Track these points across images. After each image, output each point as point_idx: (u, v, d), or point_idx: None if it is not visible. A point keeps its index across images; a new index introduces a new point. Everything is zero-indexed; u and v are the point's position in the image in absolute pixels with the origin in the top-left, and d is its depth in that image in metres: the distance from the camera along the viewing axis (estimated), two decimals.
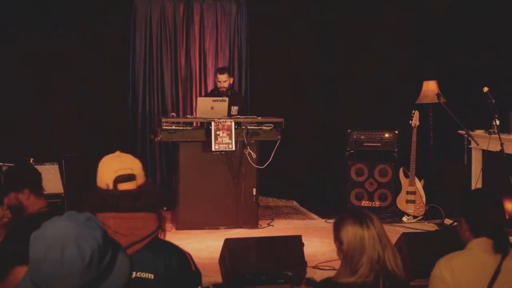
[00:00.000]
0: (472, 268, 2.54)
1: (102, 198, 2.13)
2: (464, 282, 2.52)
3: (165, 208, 7.38)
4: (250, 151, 6.42)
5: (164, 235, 2.21)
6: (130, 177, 2.16)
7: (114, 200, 2.12)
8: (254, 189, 6.53)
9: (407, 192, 7.01)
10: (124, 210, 2.11)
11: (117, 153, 2.26)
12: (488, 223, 2.59)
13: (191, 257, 2.21)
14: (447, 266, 2.55)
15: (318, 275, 4.76)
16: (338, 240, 2.36)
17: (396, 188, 7.23)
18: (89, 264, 1.53)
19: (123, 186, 2.14)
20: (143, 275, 2.09)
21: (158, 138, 6.40)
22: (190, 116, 7.13)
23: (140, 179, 2.18)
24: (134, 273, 2.06)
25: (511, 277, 2.52)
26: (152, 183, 2.25)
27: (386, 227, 6.64)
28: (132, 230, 2.09)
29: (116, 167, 2.17)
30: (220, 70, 7.00)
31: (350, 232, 2.28)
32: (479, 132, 6.56)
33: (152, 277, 2.09)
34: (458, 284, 2.51)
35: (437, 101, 7.01)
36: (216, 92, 6.92)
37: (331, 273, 4.91)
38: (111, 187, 2.14)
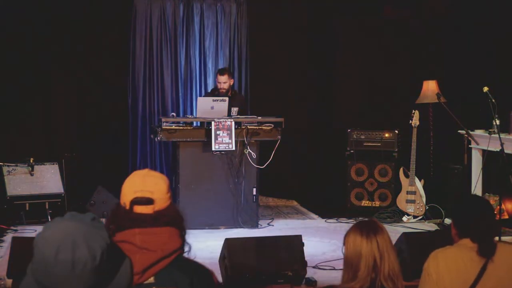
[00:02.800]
0: (458, 262, 2.61)
1: (119, 216, 2.09)
2: (448, 275, 2.59)
3: None
4: (250, 151, 6.42)
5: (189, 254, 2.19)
6: (148, 201, 2.09)
7: (128, 222, 2.07)
8: (254, 189, 6.53)
9: (407, 192, 7.01)
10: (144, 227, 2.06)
11: (146, 171, 2.20)
12: (474, 228, 2.64)
13: (214, 276, 2.20)
14: (434, 259, 2.66)
15: (318, 275, 4.76)
16: (344, 246, 2.44)
17: (396, 188, 7.23)
18: (100, 263, 1.52)
19: (139, 209, 2.09)
20: None
21: (158, 138, 6.39)
22: (190, 116, 7.13)
23: (160, 204, 2.11)
24: None
25: (496, 273, 2.57)
26: (174, 208, 2.17)
27: (386, 227, 6.66)
28: (159, 245, 2.05)
29: (136, 188, 2.11)
30: (221, 71, 6.99)
31: (352, 238, 2.37)
32: (479, 132, 6.56)
33: None
34: (442, 277, 2.59)
35: (437, 101, 7.01)
36: (216, 93, 6.92)
37: (331, 273, 4.94)
38: (127, 207, 2.10)
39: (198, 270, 2.14)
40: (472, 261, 2.59)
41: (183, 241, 2.15)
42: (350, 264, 2.34)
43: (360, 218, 6.98)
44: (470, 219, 2.68)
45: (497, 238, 3.41)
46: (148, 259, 2.02)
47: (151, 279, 2.04)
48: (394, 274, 2.34)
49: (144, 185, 2.11)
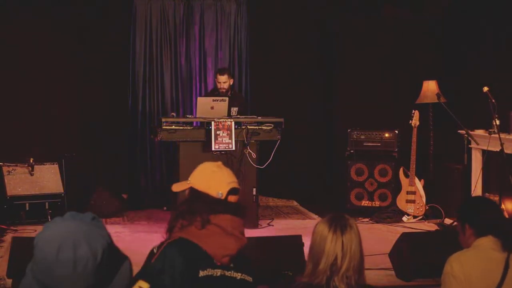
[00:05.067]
0: (481, 263, 2.60)
1: (214, 203, 2.29)
2: (475, 276, 2.57)
3: (165, 208, 7.39)
4: (250, 151, 6.42)
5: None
6: (238, 191, 2.37)
7: (222, 208, 2.28)
8: (254, 189, 6.52)
9: (407, 192, 7.01)
10: (236, 215, 2.30)
11: (220, 163, 2.43)
12: (492, 224, 2.66)
13: None
14: (457, 261, 2.61)
15: None
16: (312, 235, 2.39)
17: (396, 188, 7.23)
18: (101, 262, 1.52)
19: (232, 198, 2.34)
20: (247, 278, 2.28)
21: (158, 138, 6.39)
22: (190, 116, 7.13)
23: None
24: (240, 274, 2.25)
25: None
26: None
27: (386, 227, 6.69)
28: (242, 234, 2.29)
29: (229, 180, 2.36)
30: (221, 71, 6.98)
31: (319, 230, 2.29)
32: (479, 132, 6.56)
33: (251, 280, 2.29)
34: (469, 278, 2.56)
35: (437, 101, 7.01)
36: (216, 93, 6.91)
37: None
38: (223, 196, 2.31)
39: (248, 261, 2.35)
40: (492, 260, 2.60)
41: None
42: (312, 256, 2.28)
43: (359, 218, 7.00)
44: (488, 215, 2.70)
45: None
46: (235, 244, 2.25)
47: (231, 264, 2.25)
48: (350, 274, 2.23)
49: (233, 177, 2.39)
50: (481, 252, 2.63)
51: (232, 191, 2.33)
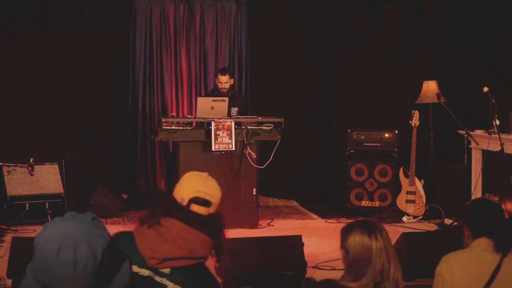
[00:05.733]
0: (471, 265, 2.60)
1: (173, 209, 2.19)
2: (462, 277, 2.58)
3: None
4: (250, 151, 6.42)
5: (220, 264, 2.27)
6: (206, 203, 2.21)
7: (178, 214, 2.18)
8: (254, 189, 6.52)
9: (407, 192, 7.01)
10: (191, 225, 2.16)
11: (206, 174, 2.33)
12: (487, 224, 2.67)
13: None
14: (447, 263, 2.64)
15: (318, 275, 4.76)
16: (344, 247, 2.33)
17: (396, 188, 7.23)
18: (101, 262, 1.52)
19: (195, 208, 2.20)
20: None
21: (158, 138, 6.40)
22: (190, 116, 7.13)
23: (214, 209, 2.23)
24: (173, 284, 2.13)
25: (510, 274, 2.56)
26: (220, 217, 2.28)
27: (386, 227, 6.67)
28: (189, 246, 2.14)
29: (198, 188, 2.23)
30: (222, 71, 6.97)
31: (358, 241, 2.26)
32: (479, 132, 6.56)
33: None
34: (456, 279, 2.58)
35: (437, 101, 7.00)
36: (216, 93, 6.91)
37: (331, 273, 4.94)
38: (184, 203, 2.20)
39: (209, 281, 2.19)
40: (485, 262, 2.59)
41: (211, 251, 2.23)
42: (356, 266, 2.25)
43: (359, 218, 6.98)
44: (483, 217, 2.71)
45: None
46: (173, 251, 2.12)
47: (167, 270, 2.13)
48: (399, 278, 2.27)
49: (206, 188, 2.24)
50: (473, 253, 2.64)
51: (196, 200, 2.20)
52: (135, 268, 2.11)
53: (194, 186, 2.23)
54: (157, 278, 2.13)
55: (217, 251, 2.24)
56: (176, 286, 2.12)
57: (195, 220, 2.17)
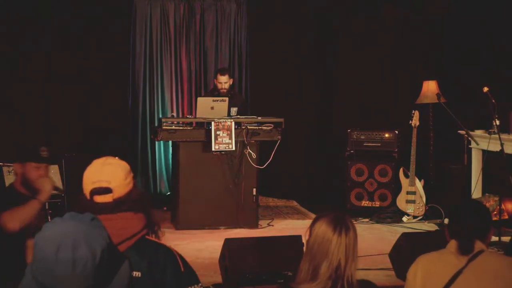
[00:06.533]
0: (436, 267, 2.60)
1: (81, 206, 2.13)
2: (425, 279, 2.58)
3: (165, 208, 7.38)
4: (250, 151, 6.42)
5: (156, 235, 2.21)
6: (106, 190, 2.15)
7: (90, 210, 2.07)
8: (254, 189, 6.52)
9: (407, 192, 7.01)
10: (106, 213, 2.10)
11: (103, 159, 2.26)
12: (456, 226, 2.67)
13: (181, 257, 2.18)
14: (414, 264, 2.66)
15: None
16: (309, 230, 2.31)
17: (396, 188, 7.23)
18: (100, 262, 1.52)
19: (99, 199, 2.15)
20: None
21: (158, 138, 6.39)
22: (190, 116, 7.13)
23: (119, 192, 2.16)
24: None
25: (472, 279, 2.53)
26: (136, 192, 2.22)
27: (386, 227, 6.68)
28: (115, 231, 2.06)
29: (94, 178, 2.17)
30: (221, 71, 6.97)
31: (322, 230, 2.23)
32: (479, 132, 6.55)
33: (139, 275, 2.08)
34: (418, 282, 2.59)
35: (437, 101, 7.00)
36: (216, 93, 6.90)
37: None
38: (87, 197, 2.16)
39: (159, 250, 2.15)
40: (450, 264, 2.57)
41: (146, 223, 2.17)
42: (312, 257, 2.20)
43: (359, 218, 6.99)
44: (456, 218, 2.73)
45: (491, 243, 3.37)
46: None
47: None
48: (352, 278, 2.19)
49: (101, 175, 2.17)
50: (441, 255, 2.63)
51: (95, 191, 2.14)
52: None
53: (91, 177, 2.17)
54: None
55: (148, 222, 2.19)
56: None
57: (104, 209, 2.11)
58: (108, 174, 2.18)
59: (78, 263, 1.50)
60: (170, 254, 2.16)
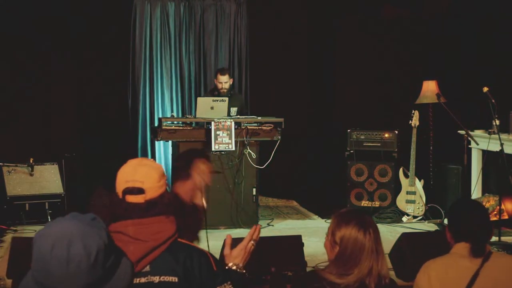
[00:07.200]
0: (450, 272, 2.55)
1: (113, 207, 2.16)
2: (440, 285, 2.52)
3: None
4: (250, 151, 6.42)
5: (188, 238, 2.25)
6: (139, 191, 2.15)
7: (122, 211, 2.14)
8: (254, 189, 6.53)
9: (407, 192, 7.01)
10: (139, 217, 2.12)
11: (138, 160, 2.28)
12: (468, 230, 2.62)
13: (213, 257, 2.23)
14: (424, 272, 2.59)
15: None
16: (334, 237, 2.28)
17: (396, 188, 7.23)
18: (95, 262, 1.53)
19: (131, 199, 2.16)
20: (167, 278, 2.12)
21: (158, 138, 6.40)
22: (190, 116, 7.13)
23: (151, 193, 2.17)
24: (158, 277, 2.10)
25: (489, 281, 2.52)
26: (168, 195, 2.23)
27: (386, 227, 6.69)
28: (151, 235, 2.11)
29: (127, 178, 2.18)
30: (222, 71, 6.97)
31: (353, 237, 2.22)
32: (479, 132, 6.55)
33: (176, 280, 2.12)
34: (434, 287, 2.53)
35: (437, 101, 7.00)
36: (216, 93, 6.91)
37: None
38: (120, 196, 2.18)
39: (193, 254, 2.18)
40: (464, 268, 2.54)
41: (178, 227, 2.20)
42: (343, 261, 2.21)
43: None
44: (462, 220, 2.67)
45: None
46: (141, 250, 2.08)
47: (147, 268, 2.11)
48: (384, 274, 2.24)
49: (135, 175, 2.17)
50: (452, 260, 2.59)
51: (128, 191, 2.15)
52: None
53: (125, 176, 2.19)
54: (142, 280, 2.10)
55: (180, 225, 2.21)
56: (161, 277, 2.11)
57: (136, 210, 2.13)
58: (142, 175, 2.18)
59: (72, 261, 1.51)
60: (204, 255, 2.20)
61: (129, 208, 2.13)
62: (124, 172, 2.20)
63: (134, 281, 2.07)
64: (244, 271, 2.39)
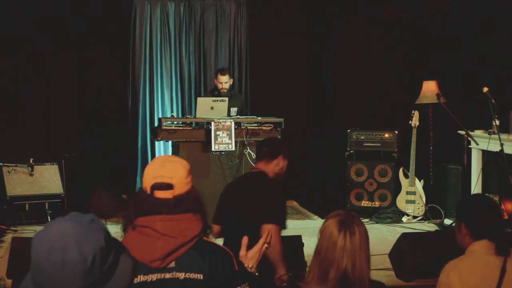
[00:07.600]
0: (478, 270, 2.55)
1: (140, 202, 2.17)
2: (473, 284, 2.51)
3: None
4: (250, 151, 6.42)
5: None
6: (168, 186, 2.18)
7: (150, 206, 2.16)
8: None
9: (407, 192, 7.01)
10: (168, 213, 2.14)
11: (165, 156, 2.31)
12: (488, 227, 2.61)
13: (235, 257, 2.25)
14: (454, 270, 2.55)
15: None
16: (319, 231, 2.29)
17: (396, 188, 7.23)
18: (91, 266, 1.53)
19: (159, 194, 2.17)
20: (193, 275, 2.14)
21: (158, 138, 6.39)
22: (190, 116, 7.13)
23: (179, 189, 2.19)
24: (184, 273, 2.13)
25: None
26: (195, 192, 2.25)
27: (386, 227, 6.69)
28: (180, 232, 2.13)
29: (156, 173, 2.20)
30: (222, 71, 6.97)
31: (328, 231, 2.21)
32: (479, 132, 6.55)
33: (201, 277, 2.14)
34: (467, 286, 2.51)
35: (437, 101, 7.00)
36: (216, 93, 6.91)
37: None
38: (148, 192, 2.19)
39: (218, 253, 2.20)
40: (489, 265, 2.54)
41: (203, 225, 2.22)
42: (321, 261, 2.19)
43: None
44: (484, 217, 2.64)
45: None
46: (169, 246, 2.11)
47: (172, 264, 2.13)
48: (364, 280, 2.20)
49: (163, 171, 2.20)
50: (477, 258, 2.58)
51: (156, 186, 2.17)
52: (141, 278, 2.10)
53: (153, 172, 2.20)
54: (167, 276, 2.13)
55: (204, 223, 2.23)
56: (186, 274, 2.13)
57: (164, 205, 2.15)
58: (170, 170, 2.21)
59: (67, 266, 1.51)
60: (228, 255, 2.23)
61: (158, 203, 2.15)
62: (152, 168, 2.23)
63: (159, 276, 2.10)
64: (256, 272, 2.43)
